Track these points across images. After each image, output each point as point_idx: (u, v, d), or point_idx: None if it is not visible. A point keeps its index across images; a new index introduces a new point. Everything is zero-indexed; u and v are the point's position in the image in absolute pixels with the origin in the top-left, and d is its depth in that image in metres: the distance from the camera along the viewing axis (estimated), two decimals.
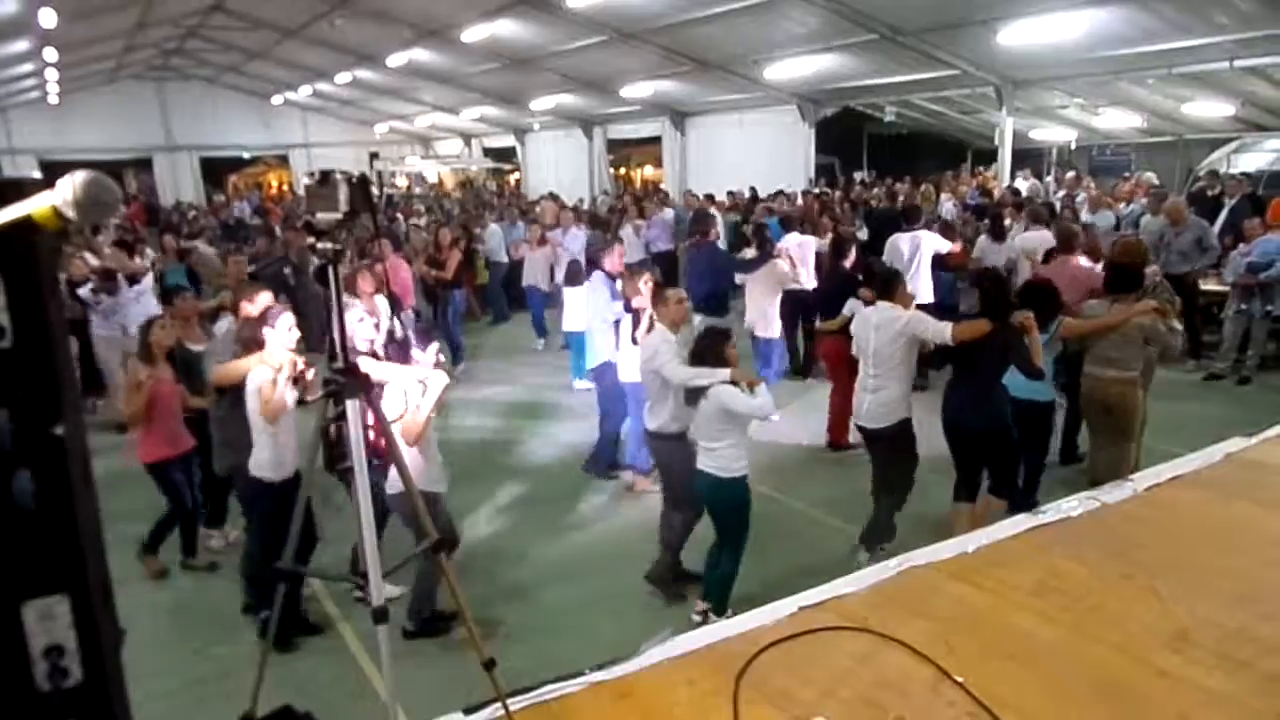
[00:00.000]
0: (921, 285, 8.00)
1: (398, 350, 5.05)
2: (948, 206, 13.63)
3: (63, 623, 1.88)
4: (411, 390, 4.35)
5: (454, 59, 18.73)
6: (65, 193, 1.09)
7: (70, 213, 1.11)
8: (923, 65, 13.75)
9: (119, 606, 2.02)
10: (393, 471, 4.35)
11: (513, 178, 29.61)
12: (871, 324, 5.13)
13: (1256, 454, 2.92)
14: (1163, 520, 2.53)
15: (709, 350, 4.45)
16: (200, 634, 4.74)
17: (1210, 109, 14.59)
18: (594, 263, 7.20)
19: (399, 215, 17.24)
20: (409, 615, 4.54)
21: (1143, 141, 18.14)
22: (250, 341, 4.56)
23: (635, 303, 6.05)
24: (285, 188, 32.56)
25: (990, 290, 4.97)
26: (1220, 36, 10.80)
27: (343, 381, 2.17)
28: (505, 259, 12.69)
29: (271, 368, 4.35)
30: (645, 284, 5.86)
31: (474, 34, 15.68)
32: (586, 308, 6.93)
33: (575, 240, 11.44)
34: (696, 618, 4.47)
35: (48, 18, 12.35)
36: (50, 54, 16.77)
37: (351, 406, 2.18)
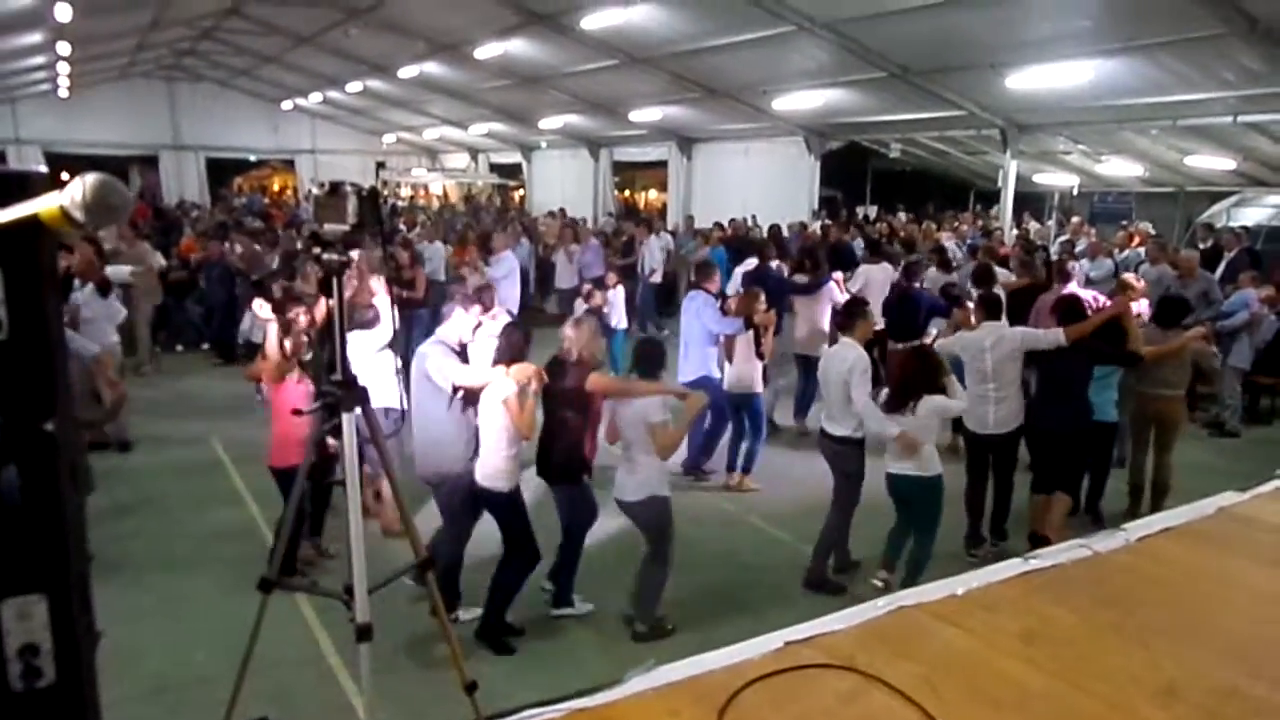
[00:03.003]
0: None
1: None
2: (950, 246, 13.71)
3: (39, 622, 1.85)
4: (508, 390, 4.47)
5: (465, 74, 18.84)
6: (74, 194, 1.07)
7: (78, 215, 1.09)
8: (929, 104, 13.87)
9: (99, 607, 2.00)
10: (633, 478, 4.63)
11: (517, 195, 29.71)
12: (985, 345, 5.76)
13: (1248, 509, 2.92)
14: (1154, 571, 2.52)
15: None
16: (181, 640, 4.69)
17: (1212, 162, 14.74)
18: (695, 284, 7.62)
19: (401, 225, 17.28)
20: (640, 617, 4.79)
21: (1144, 191, 18.29)
22: (507, 352, 4.61)
23: (758, 319, 6.85)
24: (289, 191, 32.66)
25: (1069, 309, 5.78)
26: (1224, 92, 10.92)
27: (339, 394, 2.16)
28: (443, 278, 12.13)
29: (519, 382, 4.41)
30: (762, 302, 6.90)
31: (487, 51, 15.78)
32: (687, 326, 7.24)
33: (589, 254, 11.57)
34: (879, 584, 5.12)
35: (63, 12, 12.39)
36: (63, 48, 16.82)
37: (348, 419, 2.16)
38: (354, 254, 5.21)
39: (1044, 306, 7.13)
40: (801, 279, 9.01)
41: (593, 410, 4.80)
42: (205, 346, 11.99)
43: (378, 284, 5.81)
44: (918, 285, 8.59)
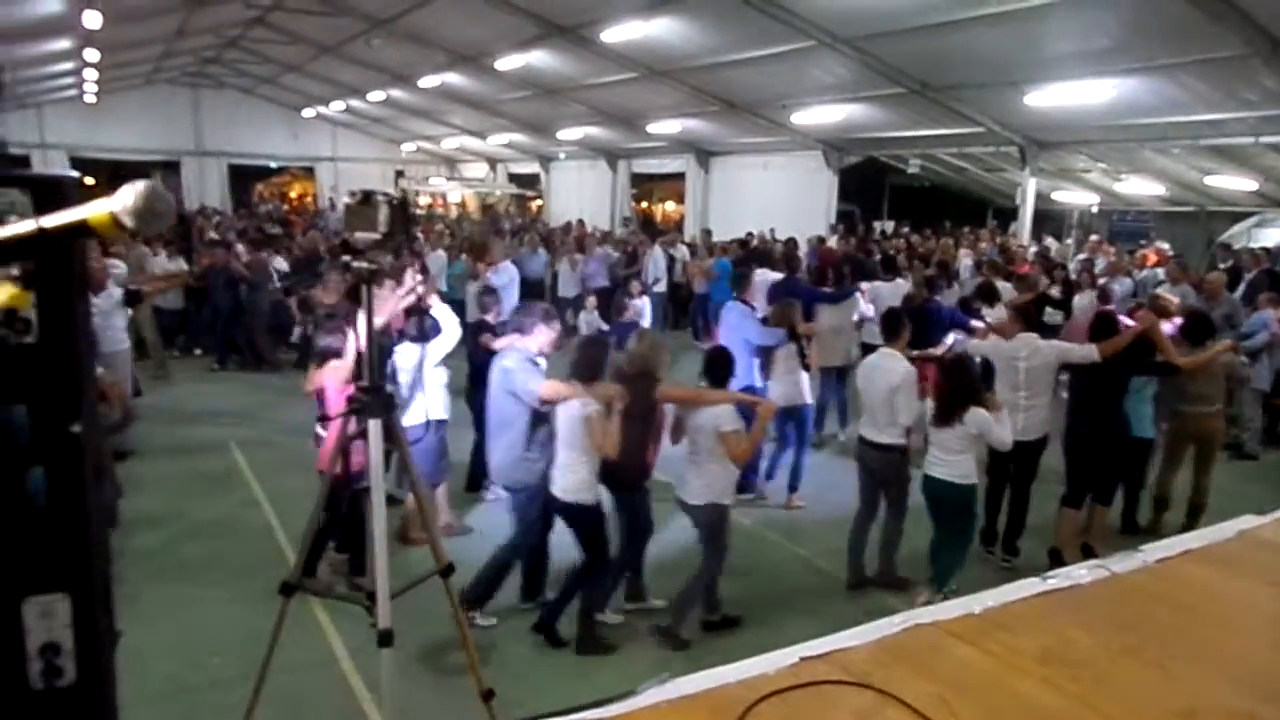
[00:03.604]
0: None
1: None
2: (966, 263, 13.67)
3: (61, 621, 1.87)
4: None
5: (486, 85, 18.97)
6: (125, 201, 1.10)
7: (128, 221, 1.12)
8: (949, 121, 13.86)
9: (120, 608, 2.02)
10: (699, 481, 4.72)
11: (535, 205, 29.84)
12: (1020, 355, 5.89)
13: (1270, 532, 2.88)
14: (1172, 594, 2.49)
15: (591, 361, 4.80)
16: (196, 643, 4.72)
17: (1233, 182, 14.65)
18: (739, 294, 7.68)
19: (419, 234, 17.39)
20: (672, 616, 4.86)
21: (1165, 210, 18.18)
22: (586, 368, 4.67)
23: (801, 329, 6.91)
24: (308, 198, 32.95)
25: (1105, 322, 6.00)
26: (1246, 112, 10.87)
27: (365, 400, 2.18)
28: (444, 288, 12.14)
29: (602, 400, 4.46)
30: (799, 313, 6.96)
31: (508, 63, 15.91)
32: (725, 338, 7.17)
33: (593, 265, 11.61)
34: (920, 603, 5.01)
35: (92, 19, 12.59)
36: (91, 54, 17.07)
37: (373, 426, 2.18)
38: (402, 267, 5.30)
39: (1076, 324, 7.37)
40: (827, 290, 9.09)
41: (655, 420, 4.88)
42: (198, 352, 12.05)
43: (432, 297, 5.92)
44: (936, 298, 8.71)
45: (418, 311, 5.65)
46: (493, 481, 6.09)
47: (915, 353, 7.81)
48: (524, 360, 4.87)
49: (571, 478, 4.64)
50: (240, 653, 4.44)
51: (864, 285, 9.27)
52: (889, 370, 5.47)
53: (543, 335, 4.98)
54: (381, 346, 5.37)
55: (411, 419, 5.48)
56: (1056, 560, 5.82)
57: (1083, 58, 10.31)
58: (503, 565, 4.96)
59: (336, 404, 5.04)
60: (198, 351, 12.18)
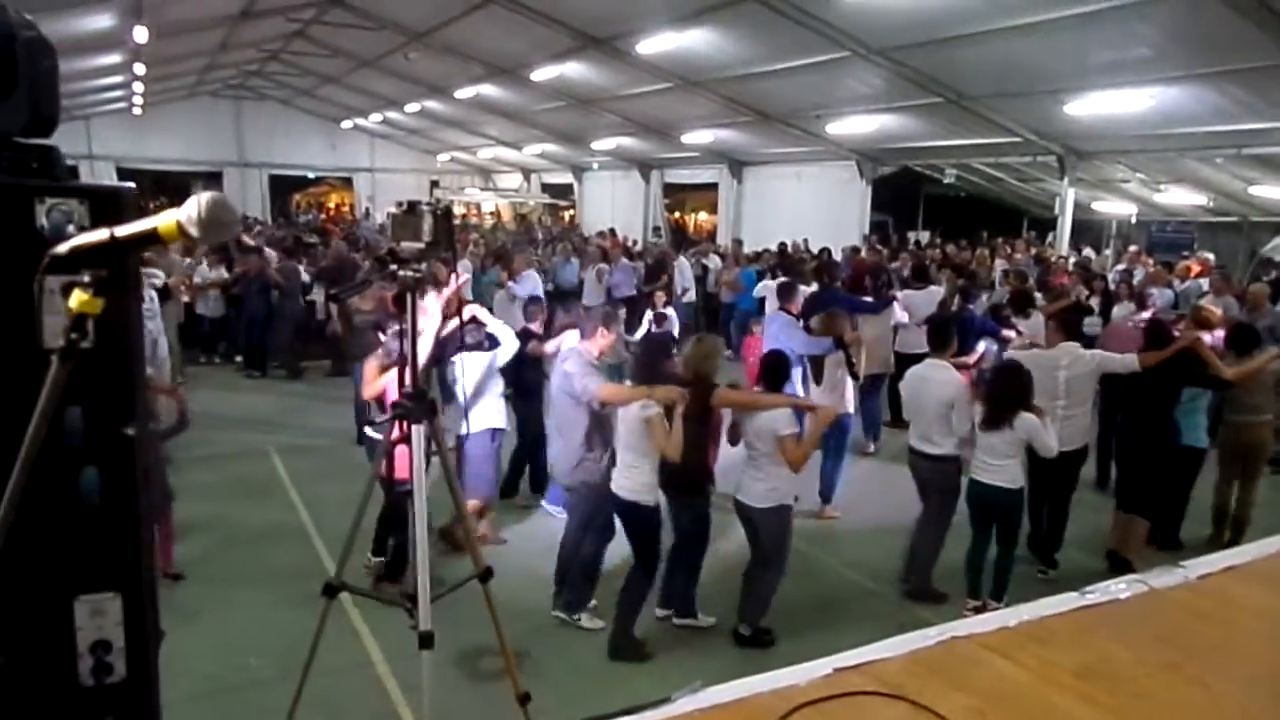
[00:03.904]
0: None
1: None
2: (999, 273, 13.55)
3: (113, 619, 1.93)
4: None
5: (521, 96, 19.16)
6: (190, 211, 1.16)
7: (193, 230, 1.17)
8: (985, 130, 13.74)
9: (161, 610, 2.07)
10: (760, 484, 4.75)
11: (568, 214, 30.05)
12: (1060, 363, 5.88)
13: None
14: (1214, 610, 2.45)
15: (651, 363, 5.01)
16: (234, 645, 4.80)
17: (1277, 192, 14.34)
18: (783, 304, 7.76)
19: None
20: (745, 620, 4.88)
21: (1208, 220, 17.86)
22: (648, 370, 4.79)
23: (847, 337, 6.91)
24: (345, 207, 33.47)
25: (1157, 332, 6.11)
26: None
27: (410, 406, 2.22)
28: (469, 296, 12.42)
29: (663, 402, 4.51)
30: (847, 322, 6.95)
31: (543, 74, 16.07)
32: (768, 347, 7.27)
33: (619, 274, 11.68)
34: (968, 614, 4.95)
35: (141, 34, 12.94)
36: (139, 68, 17.52)
37: (417, 431, 2.23)
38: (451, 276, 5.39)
39: (1114, 330, 7.56)
40: (867, 299, 9.08)
41: (713, 423, 4.92)
42: (239, 359, 12.10)
43: (481, 311, 6.05)
44: (971, 307, 8.81)
45: (477, 320, 5.77)
46: (555, 483, 6.14)
47: (951, 361, 7.90)
48: (584, 363, 4.92)
49: (632, 478, 4.68)
50: (278, 654, 4.51)
51: (898, 294, 9.30)
52: (942, 382, 5.51)
53: (603, 338, 5.04)
54: (440, 354, 5.50)
55: (475, 426, 5.61)
56: (1115, 561, 5.92)
57: (1122, 66, 10.19)
58: (593, 564, 5.04)
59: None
60: (239, 359, 12.38)
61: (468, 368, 5.52)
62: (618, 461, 4.82)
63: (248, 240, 12.99)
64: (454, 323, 5.24)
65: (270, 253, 12.55)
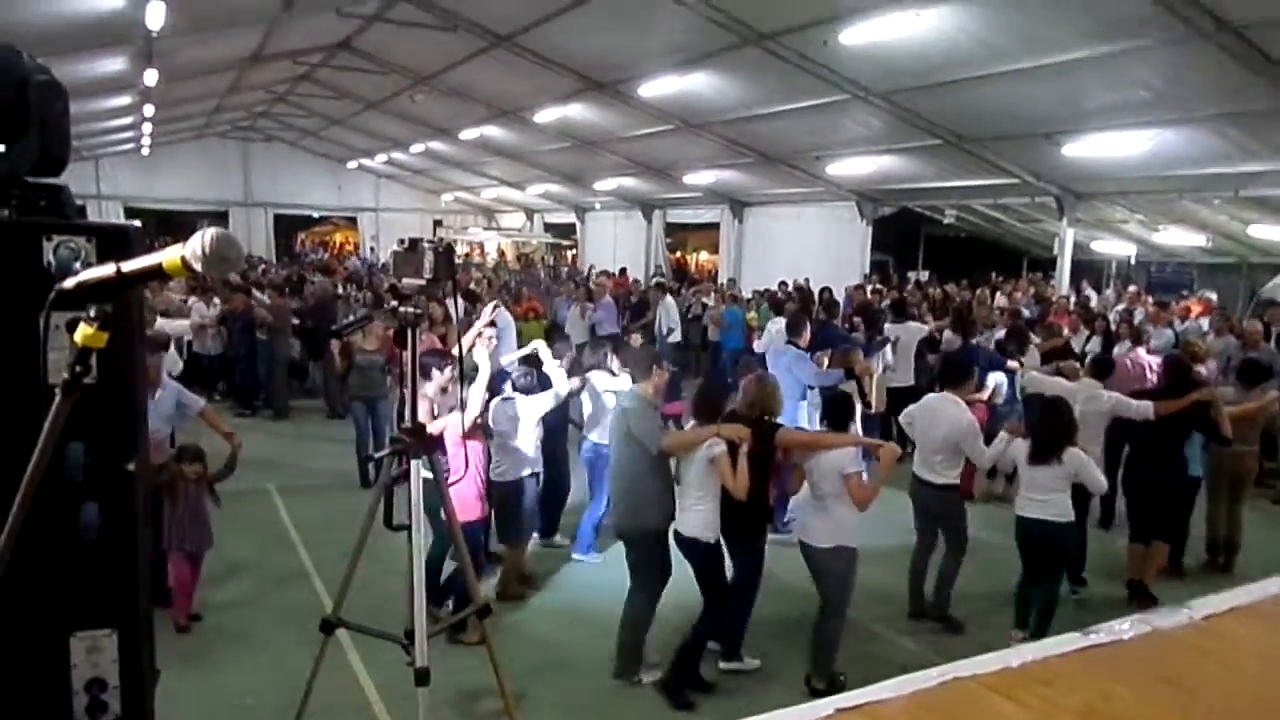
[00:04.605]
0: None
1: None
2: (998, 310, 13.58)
3: (109, 656, 1.92)
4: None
5: (524, 137, 19.40)
6: (195, 246, 1.18)
7: (197, 265, 1.19)
8: (984, 172, 13.87)
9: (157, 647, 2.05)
10: (825, 524, 4.75)
11: (570, 254, 30.24)
12: (1076, 398, 6.00)
13: None
14: (1220, 651, 2.42)
15: (712, 402, 4.97)
16: (230, 683, 4.74)
17: (1276, 233, 14.42)
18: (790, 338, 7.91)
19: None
20: (817, 672, 4.86)
21: (1207, 261, 17.93)
22: (707, 409, 4.79)
23: (858, 369, 7.15)
24: (349, 246, 33.73)
25: (1177, 372, 6.48)
26: None
27: (408, 441, 2.23)
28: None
29: (731, 440, 4.52)
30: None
31: (546, 116, 16.28)
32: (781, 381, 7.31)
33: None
34: (1014, 643, 4.92)
35: (151, 77, 13.16)
36: (149, 110, 17.77)
37: (415, 466, 2.22)
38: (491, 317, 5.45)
39: (1124, 371, 7.97)
40: (858, 336, 9.35)
41: (774, 463, 4.92)
42: (217, 398, 11.68)
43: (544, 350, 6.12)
44: (973, 342, 9.16)
45: (531, 361, 5.81)
46: (608, 522, 6.10)
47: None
48: (645, 405, 4.89)
49: (696, 515, 4.67)
50: (274, 692, 4.45)
51: (888, 329, 9.61)
52: (953, 418, 5.59)
53: (657, 378, 5.07)
54: (493, 389, 5.54)
55: (522, 470, 5.66)
56: (1137, 591, 6.12)
57: (1119, 109, 10.31)
58: (643, 620, 4.91)
59: (455, 458, 5.05)
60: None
61: (522, 411, 5.56)
62: (681, 499, 4.78)
63: (234, 279, 12.82)
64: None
65: (258, 294, 12.41)
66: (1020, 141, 12.41)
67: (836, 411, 5.18)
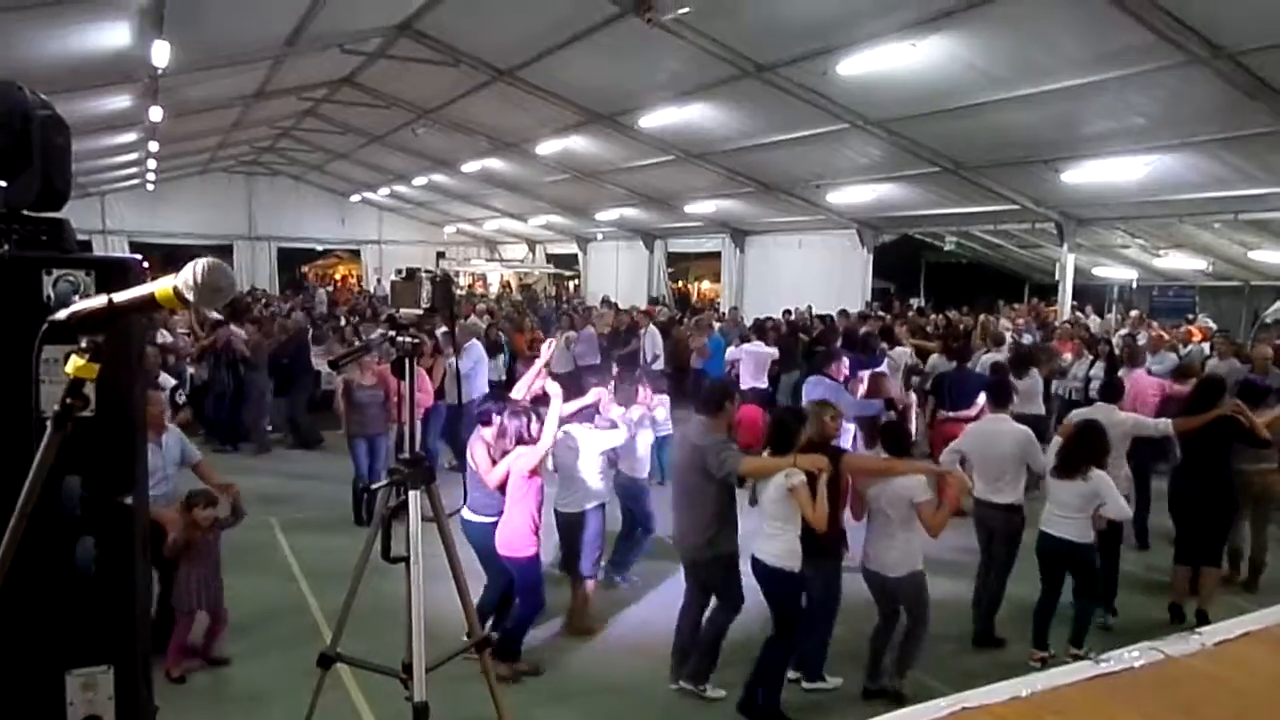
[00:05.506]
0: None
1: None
2: (1009, 338, 13.56)
3: (104, 693, 1.89)
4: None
5: (526, 169, 19.55)
6: (187, 276, 1.17)
7: (189, 295, 1.19)
8: (984, 199, 13.93)
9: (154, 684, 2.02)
10: (893, 553, 4.78)
11: (572, 284, 30.35)
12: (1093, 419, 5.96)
13: None
14: (1232, 678, 2.39)
15: (895, 439, 5.22)
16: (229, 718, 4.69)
17: (1277, 257, 14.45)
18: (817, 369, 8.00)
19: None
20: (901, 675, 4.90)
21: (1209, 285, 17.95)
22: (781, 438, 4.77)
23: (896, 398, 7.23)
24: (352, 280, 33.87)
25: (1208, 390, 6.48)
26: None
27: (406, 472, 2.21)
28: None
29: (810, 470, 4.50)
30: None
31: (547, 147, 16.41)
32: None
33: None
34: (1035, 665, 5.14)
35: (156, 113, 13.30)
36: (154, 146, 17.96)
37: (413, 497, 2.21)
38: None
39: (1135, 391, 8.02)
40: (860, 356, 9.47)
41: (841, 487, 4.92)
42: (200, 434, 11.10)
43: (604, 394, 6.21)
44: (969, 365, 9.32)
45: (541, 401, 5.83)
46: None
47: (950, 414, 8.20)
48: (721, 441, 4.86)
49: (777, 544, 4.64)
50: None
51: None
52: (1010, 432, 5.74)
53: (726, 414, 5.11)
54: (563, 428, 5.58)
55: (586, 503, 5.70)
56: (1176, 615, 6.11)
57: (1118, 135, 10.37)
58: (720, 635, 4.96)
59: (524, 491, 5.07)
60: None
61: (582, 443, 5.65)
62: (763, 528, 4.76)
63: (214, 314, 12.57)
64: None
65: (235, 328, 11.79)
66: (1019, 168, 12.47)
67: (894, 441, 5.25)
